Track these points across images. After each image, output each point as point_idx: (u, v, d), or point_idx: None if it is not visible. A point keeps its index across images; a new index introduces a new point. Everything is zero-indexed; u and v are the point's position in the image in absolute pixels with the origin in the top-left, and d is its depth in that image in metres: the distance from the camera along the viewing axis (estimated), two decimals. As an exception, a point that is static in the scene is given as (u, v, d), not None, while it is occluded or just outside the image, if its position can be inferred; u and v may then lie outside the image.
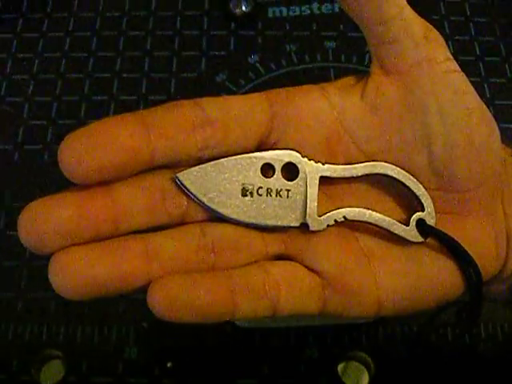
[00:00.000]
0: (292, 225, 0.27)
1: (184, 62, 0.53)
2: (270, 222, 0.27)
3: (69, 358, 0.41)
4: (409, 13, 0.27)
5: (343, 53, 0.54)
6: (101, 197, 0.24)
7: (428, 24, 0.27)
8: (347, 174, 0.28)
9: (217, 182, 0.26)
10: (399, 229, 0.28)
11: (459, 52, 0.53)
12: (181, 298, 0.24)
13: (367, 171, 0.28)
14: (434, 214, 0.28)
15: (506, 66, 0.53)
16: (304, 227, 0.27)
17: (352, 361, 0.40)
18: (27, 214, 0.24)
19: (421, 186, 0.28)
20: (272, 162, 0.27)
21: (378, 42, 0.27)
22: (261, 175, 0.27)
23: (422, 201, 0.28)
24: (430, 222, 0.28)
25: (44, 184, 0.47)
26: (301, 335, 0.41)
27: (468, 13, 0.57)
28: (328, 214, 0.27)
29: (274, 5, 0.57)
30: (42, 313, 0.42)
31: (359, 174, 0.28)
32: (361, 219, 0.27)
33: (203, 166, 0.26)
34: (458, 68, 0.27)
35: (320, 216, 0.27)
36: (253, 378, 0.39)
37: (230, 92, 0.52)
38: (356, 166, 0.28)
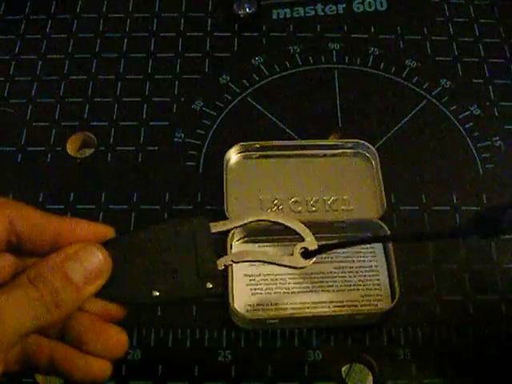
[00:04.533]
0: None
1: (187, 64, 0.53)
2: None
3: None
4: None
5: (347, 54, 0.53)
6: None
7: None
8: (236, 225, 0.31)
9: None
10: (286, 260, 0.32)
11: (463, 53, 0.53)
12: None
13: (251, 219, 0.32)
14: (314, 241, 0.32)
15: (511, 67, 0.53)
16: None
17: (356, 363, 0.40)
18: None
19: (297, 221, 0.32)
20: None
21: None
22: None
23: (301, 233, 0.32)
24: (312, 248, 0.32)
25: (47, 186, 0.47)
26: (305, 337, 0.40)
27: (472, 14, 0.56)
28: (219, 260, 0.30)
29: (277, 6, 0.57)
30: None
31: (245, 222, 0.32)
32: (248, 259, 0.31)
33: None
34: None
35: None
36: (256, 380, 0.39)
37: (234, 93, 0.51)
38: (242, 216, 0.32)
